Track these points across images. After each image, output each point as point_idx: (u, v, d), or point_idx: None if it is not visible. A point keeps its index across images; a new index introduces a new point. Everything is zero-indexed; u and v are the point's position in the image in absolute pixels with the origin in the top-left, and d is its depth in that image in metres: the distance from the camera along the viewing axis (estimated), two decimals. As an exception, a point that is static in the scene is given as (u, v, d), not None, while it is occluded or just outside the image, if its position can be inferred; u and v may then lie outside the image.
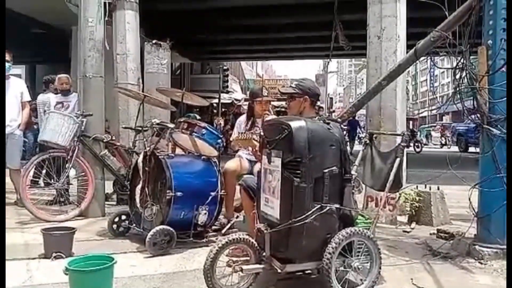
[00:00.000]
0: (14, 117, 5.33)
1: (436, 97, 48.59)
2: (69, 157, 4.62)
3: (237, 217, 4.20)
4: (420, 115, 56.31)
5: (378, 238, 3.65)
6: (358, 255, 2.63)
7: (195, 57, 21.02)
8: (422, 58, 4.39)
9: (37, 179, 5.10)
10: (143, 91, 6.16)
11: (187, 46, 16.88)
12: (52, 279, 2.84)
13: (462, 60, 3.71)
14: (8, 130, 5.25)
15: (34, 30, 13.62)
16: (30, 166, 4.62)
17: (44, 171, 5.11)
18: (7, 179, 5.48)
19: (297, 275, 2.78)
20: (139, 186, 3.94)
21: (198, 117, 8.69)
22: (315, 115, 3.09)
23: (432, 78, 44.71)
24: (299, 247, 2.57)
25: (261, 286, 2.72)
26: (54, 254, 3.19)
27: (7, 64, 5.27)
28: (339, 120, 3.28)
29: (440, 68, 20.04)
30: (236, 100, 23.21)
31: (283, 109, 4.30)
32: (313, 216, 2.53)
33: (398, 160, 2.95)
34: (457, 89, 3.82)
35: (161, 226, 3.48)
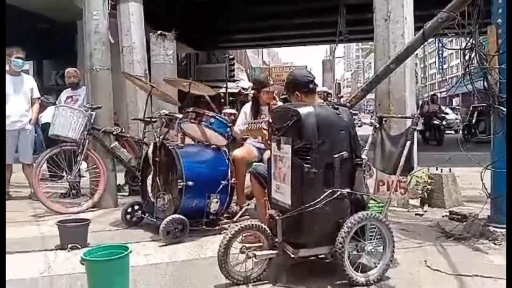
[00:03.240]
0: (25, 112, 5.38)
1: (446, 79, 48.06)
2: (80, 150, 4.66)
3: (248, 204, 4.23)
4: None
5: (391, 222, 3.65)
6: (371, 239, 2.64)
7: (201, 47, 20.98)
8: (430, 40, 4.34)
9: (53, 173, 5.16)
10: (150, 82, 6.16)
11: (192, 36, 16.82)
12: (69, 269, 2.89)
13: (471, 41, 3.66)
14: (19, 125, 5.32)
15: (40, 26, 13.64)
16: (42, 160, 4.68)
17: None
18: (21, 174, 5.57)
19: (311, 259, 2.79)
20: (151, 177, 3.98)
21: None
22: (319, 102, 3.07)
23: (441, 60, 44.12)
24: (311, 232, 2.58)
25: (275, 272, 2.73)
26: (70, 245, 3.24)
27: (20, 61, 5.34)
28: (347, 104, 3.26)
29: (449, 49, 19.83)
30: (243, 88, 23.15)
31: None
32: (325, 201, 2.54)
33: (408, 143, 2.93)
34: (467, 70, 3.78)
35: (174, 215, 3.51)
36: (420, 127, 16.79)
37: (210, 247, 3.31)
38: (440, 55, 40.76)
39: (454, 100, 39.44)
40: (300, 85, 3.11)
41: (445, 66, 47.61)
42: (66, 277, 2.78)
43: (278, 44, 27.74)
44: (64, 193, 5.16)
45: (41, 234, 3.75)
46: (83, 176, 5.26)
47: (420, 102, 16.63)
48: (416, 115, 3.15)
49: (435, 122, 13.65)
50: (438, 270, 2.79)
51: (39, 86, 5.82)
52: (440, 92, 47.04)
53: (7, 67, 5.49)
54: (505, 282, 2.35)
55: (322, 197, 2.54)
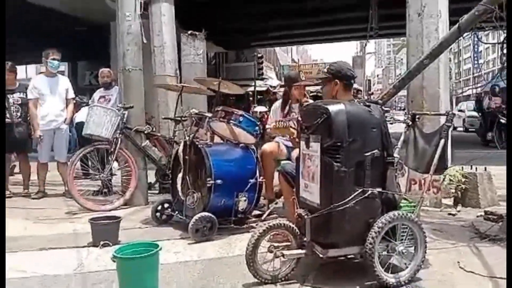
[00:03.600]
0: (60, 112, 5.54)
1: (481, 75, 46.53)
2: (112, 149, 4.76)
3: (277, 203, 4.22)
4: (464, 94, 54.17)
5: (423, 222, 3.57)
6: (402, 239, 2.58)
7: (230, 46, 21.08)
8: (466, 34, 4.20)
9: (85, 171, 5.29)
10: (180, 82, 6.23)
11: (222, 35, 16.91)
12: (101, 266, 2.95)
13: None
14: (54, 125, 5.48)
15: (75, 28, 14.04)
16: (76, 158, 4.81)
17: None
18: (55, 172, 5.74)
19: (340, 259, 2.76)
20: (180, 175, 4.02)
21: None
22: (352, 99, 3.01)
23: (476, 55, 42.73)
24: (341, 232, 2.54)
25: (303, 271, 2.71)
26: (101, 243, 3.31)
27: (56, 62, 5.49)
28: (380, 102, 3.18)
29: (486, 43, 19.34)
30: (272, 87, 23.10)
31: (319, 94, 4.25)
32: (355, 200, 2.50)
33: (442, 141, 2.84)
34: (505, 64, 3.64)
35: (203, 213, 3.54)
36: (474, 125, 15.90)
37: (238, 245, 3.32)
38: (476, 50, 39.50)
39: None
40: (342, 76, 3.00)
41: (480, 61, 46.09)
42: (98, 273, 2.84)
43: (308, 41, 27.56)
44: (97, 191, 5.29)
45: (74, 231, 3.85)
46: (115, 175, 5.37)
47: (475, 94, 15.85)
48: (451, 112, 3.05)
49: (502, 120, 9.88)
50: (472, 272, 2.70)
51: (73, 86, 5.98)
52: (476, 88, 45.53)
53: (43, 69, 5.67)
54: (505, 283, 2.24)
55: (352, 196, 2.50)
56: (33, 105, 5.42)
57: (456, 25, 3.73)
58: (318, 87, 4.39)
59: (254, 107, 16.51)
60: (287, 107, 4.28)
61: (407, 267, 2.59)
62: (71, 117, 5.79)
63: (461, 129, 20.21)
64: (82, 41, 14.67)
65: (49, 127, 5.45)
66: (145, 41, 5.34)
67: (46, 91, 5.46)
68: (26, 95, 5.52)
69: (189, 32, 7.47)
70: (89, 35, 14.11)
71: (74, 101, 5.94)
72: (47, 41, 9.41)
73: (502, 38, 3.83)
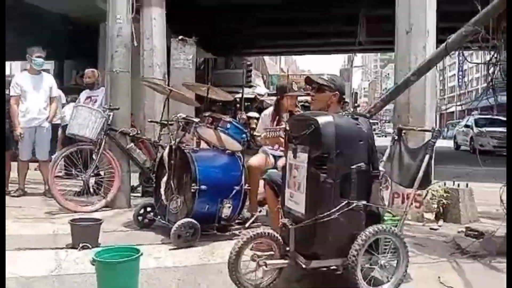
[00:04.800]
0: (43, 110, 5.46)
1: (465, 92, 47.45)
2: (96, 150, 4.70)
3: (260, 211, 4.21)
4: (448, 110, 55.11)
5: (405, 236, 3.59)
6: (384, 253, 2.59)
7: (219, 52, 21.10)
8: (452, 52, 4.29)
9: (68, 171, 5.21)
10: (168, 86, 6.20)
11: (212, 41, 16.92)
12: (79, 269, 2.90)
13: (495, 55, 3.60)
14: (36, 122, 5.40)
15: (62, 27, 13.88)
16: (59, 158, 4.73)
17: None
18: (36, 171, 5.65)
19: (322, 271, 2.75)
20: (165, 179, 3.98)
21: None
22: (340, 111, 3.04)
23: (461, 72, 43.56)
24: (324, 243, 2.54)
25: (285, 281, 2.70)
26: (81, 245, 3.25)
27: (40, 60, 5.42)
28: (367, 115, 3.21)
29: (471, 63, 19.20)
30: (259, 95, 23.19)
31: (306, 104, 4.25)
32: (340, 212, 2.50)
33: (427, 156, 2.87)
34: (490, 84, 3.71)
35: (186, 219, 3.51)
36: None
37: (220, 252, 3.28)
38: (461, 68, 40.31)
39: (473, 113, 38.89)
40: (342, 90, 3.11)
41: (465, 79, 47.01)
42: (76, 276, 2.78)
43: (296, 52, 27.75)
44: (79, 192, 5.20)
45: (53, 232, 3.78)
46: (99, 175, 5.30)
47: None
48: (436, 129, 3.09)
49: None
50: (452, 287, 2.72)
51: (59, 85, 5.90)
52: (460, 105, 46.33)
53: (27, 66, 5.59)
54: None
55: (337, 208, 2.50)
56: (15, 102, 5.34)
57: (443, 45, 3.80)
58: (306, 98, 4.41)
59: (242, 113, 16.55)
60: (277, 117, 4.28)
61: (388, 281, 2.60)
62: (54, 115, 5.71)
63: (465, 147, 17.30)
64: (70, 40, 14.50)
65: (30, 124, 5.37)
66: (135, 44, 5.31)
67: (28, 89, 5.39)
68: (9, 92, 5.43)
69: (180, 37, 7.45)
70: (77, 35, 13.95)
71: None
72: (33, 39, 9.28)
73: (488, 58, 3.90)
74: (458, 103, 48.42)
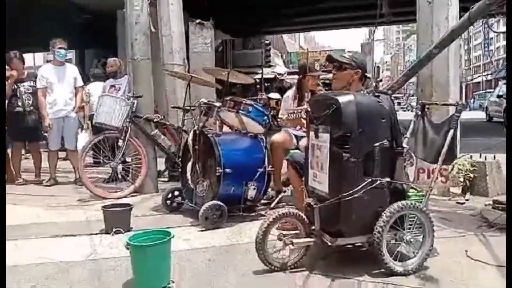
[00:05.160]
0: (69, 101, 5.59)
1: (491, 62, 45.93)
2: (122, 137, 4.81)
3: (285, 191, 4.26)
4: (474, 80, 53.55)
5: (431, 211, 3.59)
6: (410, 228, 2.61)
7: (237, 33, 20.97)
8: (475, 22, 4.17)
9: (97, 159, 5.36)
10: (188, 71, 6.26)
11: (229, 22, 16.83)
12: (113, 253, 3.02)
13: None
14: (63, 113, 5.54)
15: (83, 16, 14.03)
16: (87, 146, 4.87)
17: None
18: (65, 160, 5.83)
19: (348, 248, 2.79)
20: (190, 164, 4.06)
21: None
22: (362, 89, 3.02)
23: (487, 41, 42.14)
24: (349, 221, 2.58)
25: (312, 259, 2.76)
26: (114, 230, 3.38)
27: (62, 51, 5.54)
28: (389, 92, 3.18)
29: (496, 32, 18.27)
30: (279, 74, 23.01)
31: (327, 82, 4.20)
32: (363, 190, 2.52)
33: (452, 131, 2.84)
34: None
35: (213, 201, 3.59)
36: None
37: (247, 233, 3.36)
38: (487, 37, 39.00)
39: (500, 83, 37.73)
40: (364, 68, 3.07)
41: (491, 48, 45.48)
42: (111, 260, 2.90)
43: (316, 28, 27.31)
44: (108, 179, 5.36)
45: (86, 219, 3.92)
46: (126, 162, 5.44)
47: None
48: (460, 103, 3.05)
49: None
50: (479, 261, 2.73)
51: (81, 74, 6.03)
52: (486, 75, 44.95)
53: (51, 57, 5.72)
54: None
55: (361, 186, 2.52)
56: (42, 94, 5.47)
57: (466, 15, 3.70)
58: (328, 75, 4.39)
59: (262, 94, 16.50)
60: (299, 96, 4.28)
61: (414, 256, 2.62)
62: (79, 105, 5.85)
63: (498, 119, 16.21)
64: (90, 29, 14.66)
65: (57, 115, 5.51)
66: (153, 30, 5.35)
67: (54, 80, 5.52)
68: (36, 84, 5.58)
69: (197, 21, 7.47)
70: (96, 23, 14.09)
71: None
72: (54, 29, 9.42)
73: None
74: (484, 73, 46.91)
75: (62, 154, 6.12)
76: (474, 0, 3.71)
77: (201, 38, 7.70)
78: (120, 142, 4.85)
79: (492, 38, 43.72)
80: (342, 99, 2.60)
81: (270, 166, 3.92)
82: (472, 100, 37.86)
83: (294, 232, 2.76)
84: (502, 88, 17.69)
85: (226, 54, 22.23)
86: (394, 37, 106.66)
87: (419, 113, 3.19)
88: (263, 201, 4.08)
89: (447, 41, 3.97)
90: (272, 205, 4.02)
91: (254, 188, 3.80)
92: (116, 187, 5.02)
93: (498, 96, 17.01)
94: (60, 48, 5.52)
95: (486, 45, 42.53)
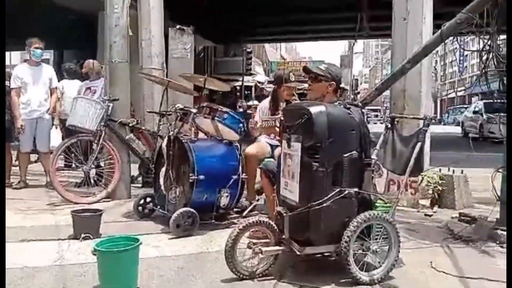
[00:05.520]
0: (43, 102, 5.51)
1: (465, 78, 47.21)
2: (96, 141, 4.75)
3: (258, 200, 4.28)
4: (449, 96, 54.90)
5: (399, 222, 3.68)
6: (376, 238, 2.66)
7: (219, 40, 21.04)
8: (449, 38, 4.31)
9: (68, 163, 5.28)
10: (167, 76, 6.24)
11: (211, 29, 16.88)
12: (81, 259, 2.98)
13: (488, 43, 3.62)
14: (37, 114, 5.45)
15: (61, 16, 13.85)
16: (59, 149, 4.79)
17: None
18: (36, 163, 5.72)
19: (316, 257, 2.83)
20: (163, 169, 4.04)
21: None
22: (335, 100, 3.08)
23: (461, 58, 43.35)
24: (318, 230, 2.62)
25: (280, 268, 2.78)
26: (82, 235, 3.33)
27: (38, 51, 5.46)
28: (359, 104, 3.26)
29: (466, 50, 18.81)
30: (259, 82, 23.16)
31: (305, 92, 4.25)
32: (332, 199, 2.57)
33: (419, 144, 2.92)
34: (483, 71, 3.75)
35: (184, 208, 3.58)
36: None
37: (218, 241, 3.35)
38: (462, 53, 40.12)
39: (473, 99, 38.78)
40: (338, 81, 3.12)
41: (466, 64, 46.80)
42: (78, 266, 2.86)
43: (296, 38, 27.64)
44: (79, 183, 5.28)
45: (55, 223, 3.85)
46: (99, 167, 5.37)
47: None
48: (428, 117, 3.14)
49: None
50: (443, 272, 2.80)
51: (58, 75, 5.94)
52: (458, 91, 46.10)
53: (27, 56, 5.63)
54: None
55: (329, 195, 2.57)
56: (16, 93, 5.37)
57: (438, 32, 3.82)
58: (304, 85, 4.44)
59: (242, 102, 16.54)
60: (274, 106, 4.32)
61: (380, 266, 2.67)
62: (54, 106, 5.76)
63: (473, 135, 15.43)
64: (69, 29, 14.48)
65: (31, 116, 5.42)
66: (131, 34, 5.32)
67: (29, 80, 5.42)
68: (10, 84, 5.47)
69: (177, 26, 7.47)
70: (76, 24, 13.94)
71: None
72: (32, 29, 9.27)
73: (481, 46, 3.92)
74: (459, 89, 48.15)
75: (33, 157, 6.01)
76: (448, 18, 3.84)
77: (181, 44, 7.69)
78: (94, 146, 4.79)
79: (467, 55, 45.02)
80: (314, 109, 2.65)
81: (244, 174, 3.94)
82: (446, 115, 38.77)
83: (264, 240, 2.78)
84: (478, 104, 17.90)
85: (207, 61, 22.25)
86: (373, 51, 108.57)
87: (389, 125, 3.28)
88: (235, 209, 4.09)
89: (419, 57, 4.07)
90: (245, 213, 4.03)
91: (227, 196, 3.81)
92: (88, 191, 4.95)
93: (475, 112, 16.99)
94: (36, 48, 5.44)
95: (461, 62, 43.72)
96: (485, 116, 15.31)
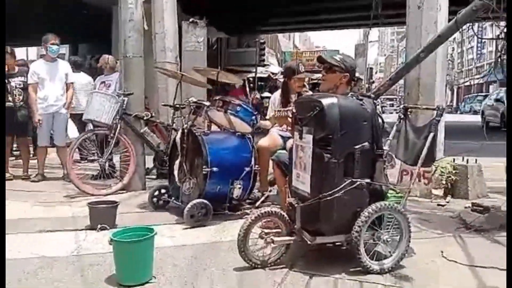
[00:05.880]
0: (60, 97, 5.61)
1: (483, 65, 46.31)
2: (112, 134, 4.84)
3: (271, 191, 4.32)
4: (466, 84, 53.89)
5: (412, 212, 3.69)
6: (387, 228, 2.68)
7: (232, 31, 20.99)
8: (465, 27, 4.25)
9: (84, 156, 5.38)
10: (181, 70, 6.30)
11: (224, 20, 16.85)
12: (98, 249, 3.06)
13: (504, 29, 3.57)
14: (53, 109, 5.55)
15: (76, 11, 13.99)
16: (76, 143, 4.90)
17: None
18: (55, 155, 5.84)
19: (327, 246, 2.86)
20: (178, 161, 4.11)
21: None
22: (348, 92, 3.08)
23: (479, 45, 42.52)
24: (329, 220, 2.65)
25: (292, 257, 2.82)
26: (99, 226, 3.42)
27: (55, 47, 5.55)
28: (372, 95, 3.25)
29: (482, 38, 18.25)
30: (273, 73, 23.05)
31: (320, 82, 4.21)
32: (343, 190, 2.59)
33: (431, 135, 2.91)
34: (498, 59, 3.70)
35: (198, 200, 3.64)
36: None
37: (231, 231, 3.41)
38: (479, 41, 39.33)
39: (490, 86, 38.00)
40: (352, 72, 3.09)
41: (484, 51, 45.85)
42: (95, 256, 2.94)
43: (310, 28, 27.39)
44: (96, 175, 5.39)
45: (72, 215, 3.95)
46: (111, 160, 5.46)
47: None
48: (441, 107, 3.12)
49: None
50: (454, 261, 2.81)
51: (73, 69, 6.04)
52: (475, 79, 45.26)
53: (44, 52, 5.73)
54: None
55: (341, 186, 2.59)
56: (33, 89, 5.48)
57: (453, 20, 3.77)
58: (317, 75, 4.41)
59: (256, 93, 16.52)
60: (287, 98, 4.33)
61: (391, 255, 2.70)
62: (70, 101, 5.86)
63: (494, 124, 14.94)
64: (84, 24, 14.63)
65: (48, 111, 5.52)
66: (146, 28, 5.37)
67: (45, 76, 5.52)
68: (27, 79, 5.59)
69: (191, 19, 7.50)
70: (91, 18, 14.07)
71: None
72: (48, 24, 9.41)
73: (497, 33, 3.87)
74: (475, 77, 47.23)
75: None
76: (463, 4, 3.78)
77: (194, 37, 7.73)
78: (109, 139, 4.88)
79: (485, 42, 44.08)
80: (325, 101, 2.67)
81: (257, 166, 3.98)
82: (462, 104, 38.12)
83: (276, 230, 2.83)
84: (500, 92, 16.47)
85: (221, 52, 22.23)
86: (388, 39, 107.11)
87: (402, 116, 3.27)
88: (248, 200, 4.14)
89: (434, 46, 4.03)
90: (257, 204, 4.08)
91: (240, 187, 3.86)
92: (104, 184, 5.05)
93: (496, 100, 15.81)
94: (53, 44, 5.53)
95: (479, 48, 42.88)
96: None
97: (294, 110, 3.12)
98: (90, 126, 5.66)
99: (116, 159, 5.24)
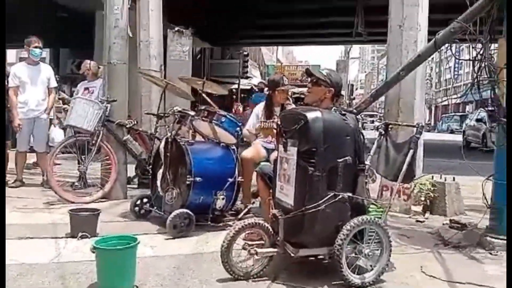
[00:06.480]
0: (41, 101, 5.52)
1: (460, 85, 47.55)
2: (93, 141, 4.78)
3: (253, 202, 4.34)
4: (444, 103, 55.15)
5: (391, 227, 3.75)
6: (369, 242, 2.73)
7: (216, 42, 21.09)
8: (444, 47, 4.39)
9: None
10: (165, 78, 6.30)
11: (208, 31, 16.93)
12: (79, 257, 3.02)
13: (481, 52, 3.70)
14: (35, 114, 5.46)
15: (59, 14, 13.85)
16: (56, 149, 4.82)
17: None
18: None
19: (310, 259, 2.89)
20: (161, 171, 4.09)
21: None
22: (332, 106, 3.14)
23: (456, 66, 43.70)
24: (312, 233, 2.68)
25: (274, 269, 2.84)
26: (80, 234, 3.37)
27: (37, 50, 5.47)
28: (354, 111, 3.34)
29: (459, 59, 18.66)
30: (255, 85, 23.21)
31: (302, 96, 4.26)
32: (326, 203, 2.63)
33: (411, 151, 3.00)
34: (475, 80, 3.83)
35: (181, 210, 3.63)
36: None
37: (214, 242, 3.39)
38: (456, 61, 40.42)
39: (467, 107, 39.04)
40: (338, 88, 3.15)
41: (461, 72, 47.13)
42: (76, 264, 2.90)
43: (293, 42, 27.77)
44: (76, 183, 5.30)
45: (52, 222, 3.88)
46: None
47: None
48: (420, 125, 3.21)
49: None
50: (433, 276, 2.87)
51: (55, 74, 5.96)
52: (452, 98, 46.39)
53: (24, 54, 5.64)
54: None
55: (324, 199, 2.63)
56: (13, 93, 5.38)
57: (433, 41, 3.90)
58: (302, 89, 4.48)
59: (239, 105, 16.58)
60: (270, 110, 4.37)
61: (372, 269, 2.74)
62: (52, 106, 5.78)
63: (475, 145, 14.81)
64: (67, 27, 14.46)
65: (28, 116, 5.42)
66: (131, 35, 5.36)
67: (27, 80, 5.43)
68: (7, 83, 5.49)
69: (176, 28, 7.52)
70: (73, 23, 13.93)
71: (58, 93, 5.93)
72: (29, 26, 9.28)
73: (474, 54, 4.01)
74: (453, 96, 48.42)
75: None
76: (442, 25, 3.91)
77: (179, 46, 7.75)
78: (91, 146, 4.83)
79: (462, 62, 45.31)
80: (310, 115, 2.72)
81: (240, 177, 3.99)
82: (440, 122, 38.98)
83: (259, 242, 2.84)
84: (480, 112, 14.70)
85: (204, 63, 22.29)
86: (369, 56, 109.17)
87: (383, 132, 3.35)
88: (231, 211, 4.14)
89: (414, 64, 4.15)
90: (240, 216, 4.08)
91: (223, 198, 3.86)
92: (85, 191, 4.98)
93: (478, 120, 15.23)
94: (36, 47, 5.46)
95: (456, 69, 44.07)
96: (488, 125, 12.80)
97: (278, 122, 3.16)
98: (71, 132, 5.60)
99: (97, 166, 5.17)
